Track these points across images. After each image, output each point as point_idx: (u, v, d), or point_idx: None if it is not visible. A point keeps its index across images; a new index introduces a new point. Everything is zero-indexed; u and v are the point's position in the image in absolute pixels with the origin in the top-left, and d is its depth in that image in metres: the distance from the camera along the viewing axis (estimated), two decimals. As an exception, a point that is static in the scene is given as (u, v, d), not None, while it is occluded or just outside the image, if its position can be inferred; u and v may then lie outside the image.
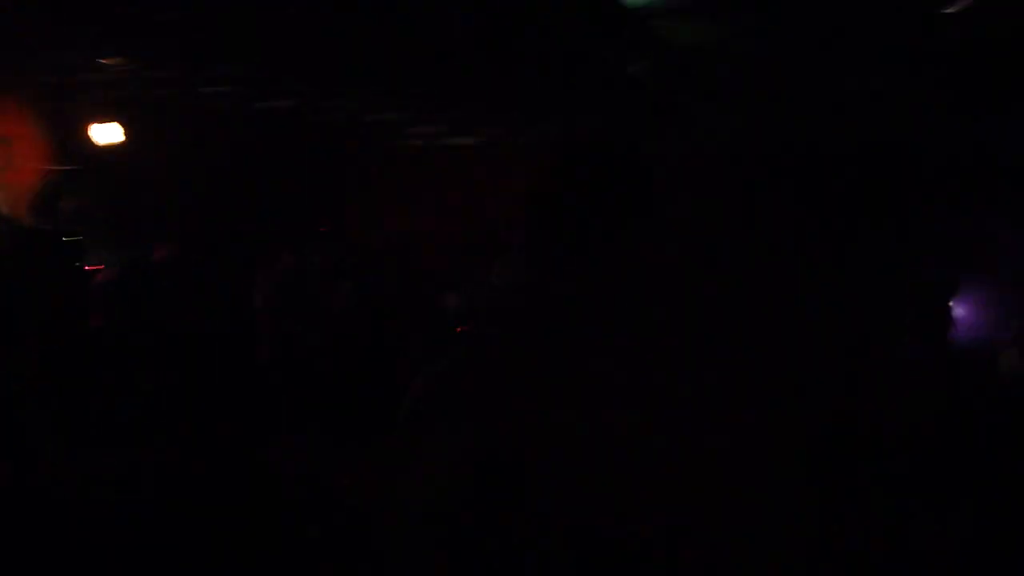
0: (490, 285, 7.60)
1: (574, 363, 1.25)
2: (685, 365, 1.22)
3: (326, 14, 5.44)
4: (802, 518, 1.22)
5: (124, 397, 2.96)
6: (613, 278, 1.30)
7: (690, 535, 1.18)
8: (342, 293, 6.84)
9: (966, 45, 5.86)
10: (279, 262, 6.92)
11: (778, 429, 1.19)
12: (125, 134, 7.92)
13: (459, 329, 8.16)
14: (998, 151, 8.67)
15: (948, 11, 5.16)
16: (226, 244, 8.29)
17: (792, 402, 1.20)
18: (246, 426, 3.43)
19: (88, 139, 7.74)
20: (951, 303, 6.04)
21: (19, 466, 2.57)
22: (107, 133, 7.81)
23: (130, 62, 6.79)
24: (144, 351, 3.36)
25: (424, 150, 10.42)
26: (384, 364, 5.84)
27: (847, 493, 1.23)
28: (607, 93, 6.30)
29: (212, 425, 3.28)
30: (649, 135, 8.16)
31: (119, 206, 7.84)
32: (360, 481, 3.02)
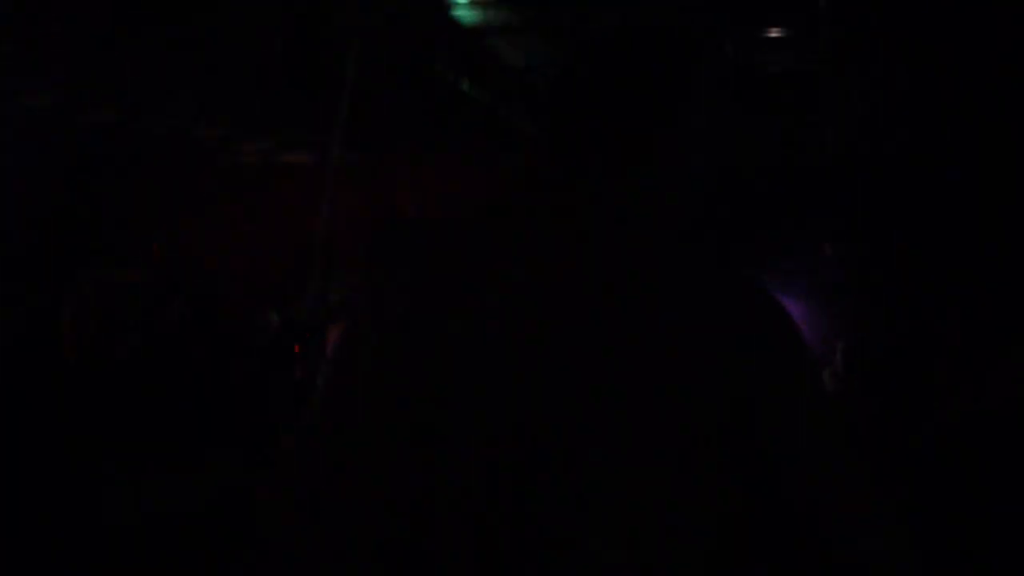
0: (323, 302, 7.53)
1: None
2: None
3: (155, 23, 5.31)
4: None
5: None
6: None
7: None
8: (172, 310, 6.62)
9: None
10: (94, 277, 6.64)
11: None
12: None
13: (296, 348, 8.03)
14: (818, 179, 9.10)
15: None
16: (34, 255, 7.97)
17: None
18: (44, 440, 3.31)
19: None
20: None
21: None
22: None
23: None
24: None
25: (257, 167, 10.21)
26: (215, 382, 5.67)
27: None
28: (442, 109, 6.34)
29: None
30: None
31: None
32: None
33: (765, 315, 1.19)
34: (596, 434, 1.11)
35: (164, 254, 8.69)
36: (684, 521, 1.14)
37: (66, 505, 2.99)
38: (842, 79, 6.14)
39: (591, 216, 1.21)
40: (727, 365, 1.14)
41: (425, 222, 9.05)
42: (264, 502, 1.26)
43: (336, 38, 4.95)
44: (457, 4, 5.00)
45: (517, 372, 1.14)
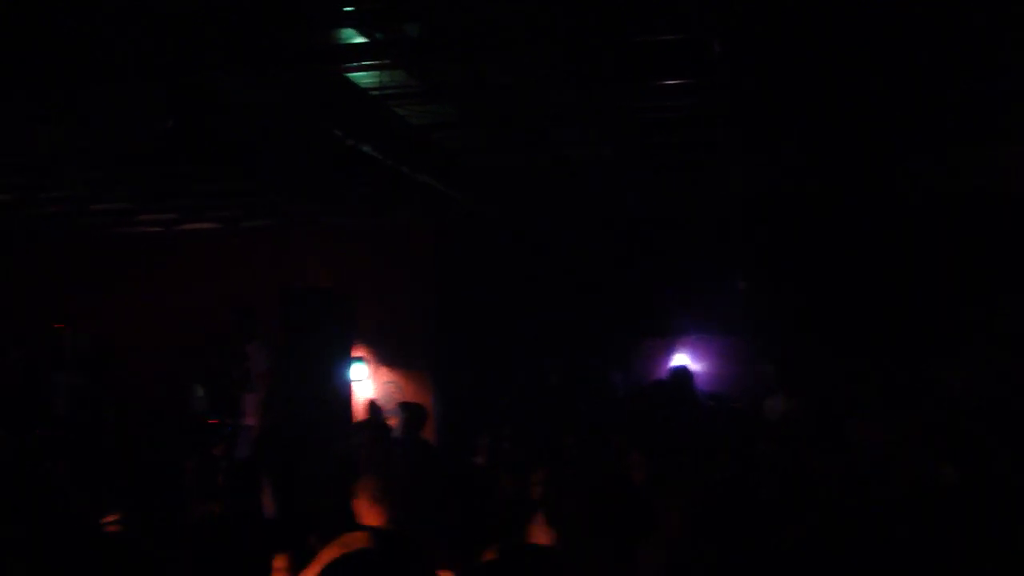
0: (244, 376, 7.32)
1: None
2: None
3: (42, 99, 5.19)
4: None
5: None
6: None
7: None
8: (73, 388, 6.53)
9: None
10: (5, 357, 6.53)
11: None
12: None
13: (211, 421, 7.83)
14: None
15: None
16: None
17: None
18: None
19: None
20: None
21: None
22: None
23: None
24: None
25: (161, 236, 9.98)
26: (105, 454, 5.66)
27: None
28: (345, 172, 6.26)
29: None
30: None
31: None
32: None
33: None
34: None
35: (66, 332, 8.48)
36: None
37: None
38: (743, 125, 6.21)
39: None
40: None
41: (331, 290, 8.91)
42: None
43: (230, 109, 4.86)
44: (353, 67, 4.94)
45: None
